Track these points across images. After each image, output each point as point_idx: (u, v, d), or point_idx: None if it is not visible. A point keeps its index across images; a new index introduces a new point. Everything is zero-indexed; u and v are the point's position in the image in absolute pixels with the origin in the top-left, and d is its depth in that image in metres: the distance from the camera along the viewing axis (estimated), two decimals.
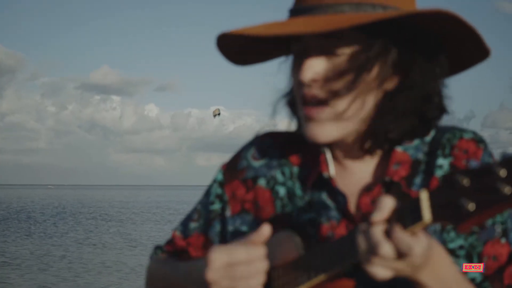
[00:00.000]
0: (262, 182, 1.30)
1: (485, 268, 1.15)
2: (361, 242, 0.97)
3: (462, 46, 1.18)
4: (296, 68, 1.20)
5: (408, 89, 1.16)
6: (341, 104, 1.15)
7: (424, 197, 0.90)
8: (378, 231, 0.94)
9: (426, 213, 0.89)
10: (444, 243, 1.14)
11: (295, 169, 1.29)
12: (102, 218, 31.35)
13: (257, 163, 1.33)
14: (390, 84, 1.17)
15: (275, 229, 1.16)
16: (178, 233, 1.40)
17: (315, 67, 1.15)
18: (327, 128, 1.16)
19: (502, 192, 0.80)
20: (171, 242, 1.41)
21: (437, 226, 1.15)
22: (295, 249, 1.13)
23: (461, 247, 1.15)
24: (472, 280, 1.14)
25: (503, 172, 0.81)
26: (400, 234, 0.92)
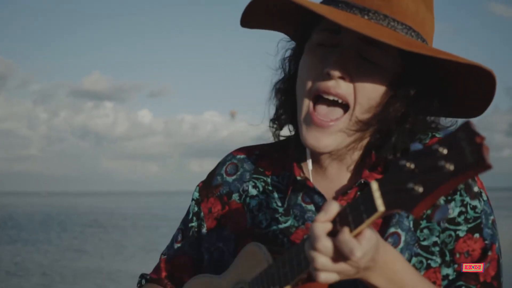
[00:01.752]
0: (235, 197, 1.33)
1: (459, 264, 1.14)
2: (307, 243, 0.98)
3: (467, 96, 1.21)
4: (318, 57, 1.18)
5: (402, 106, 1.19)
6: (359, 111, 1.16)
7: (375, 187, 0.89)
8: (318, 228, 0.94)
9: (379, 203, 0.88)
10: (417, 240, 1.15)
11: (270, 179, 1.31)
12: (90, 225, 31.29)
13: (230, 178, 1.35)
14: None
15: (249, 241, 1.19)
16: (163, 257, 1.44)
17: (348, 64, 1.14)
18: (336, 138, 1.17)
19: (446, 170, 0.80)
20: (156, 269, 1.44)
21: (411, 225, 1.16)
22: (264, 259, 1.13)
23: (435, 244, 1.15)
24: (446, 277, 1.13)
25: (444, 151, 0.81)
26: (345, 236, 0.92)
